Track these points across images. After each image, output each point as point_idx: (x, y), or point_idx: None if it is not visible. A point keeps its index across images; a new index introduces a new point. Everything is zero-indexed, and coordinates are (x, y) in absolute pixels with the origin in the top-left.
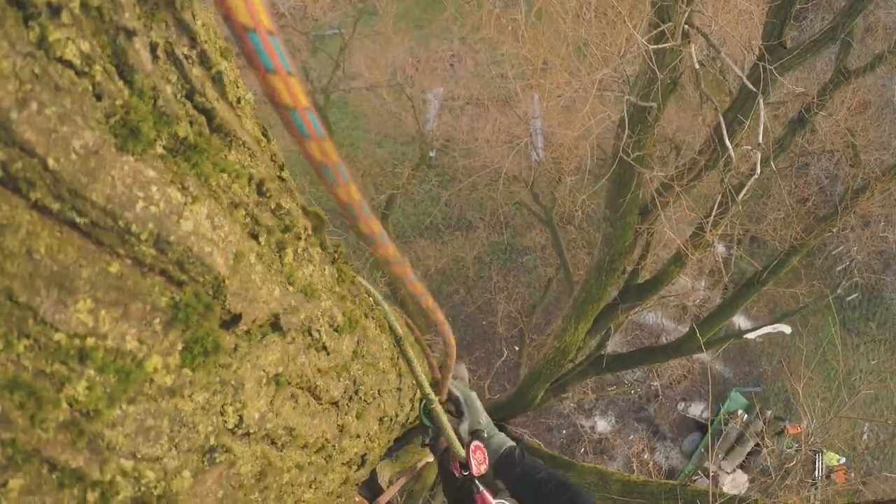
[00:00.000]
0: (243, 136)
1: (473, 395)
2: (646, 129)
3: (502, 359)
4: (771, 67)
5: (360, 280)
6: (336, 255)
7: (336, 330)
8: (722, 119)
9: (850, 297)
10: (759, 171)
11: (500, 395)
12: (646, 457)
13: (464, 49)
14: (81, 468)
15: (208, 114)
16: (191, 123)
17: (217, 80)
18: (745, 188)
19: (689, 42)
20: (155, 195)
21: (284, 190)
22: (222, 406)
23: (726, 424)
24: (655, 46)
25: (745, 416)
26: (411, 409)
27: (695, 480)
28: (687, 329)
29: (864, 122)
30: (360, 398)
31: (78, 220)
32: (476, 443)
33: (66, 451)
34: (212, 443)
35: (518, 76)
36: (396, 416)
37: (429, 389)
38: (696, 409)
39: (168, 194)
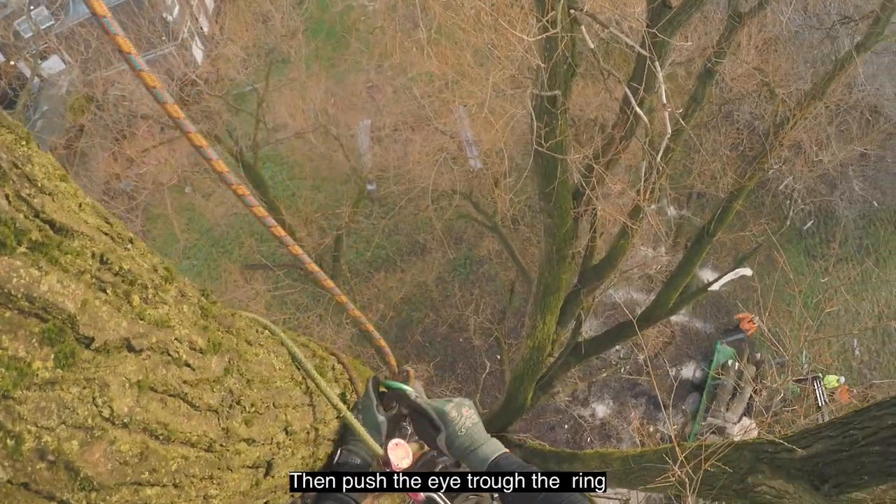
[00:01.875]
0: (82, 228)
1: (449, 407)
2: (554, 118)
3: (486, 371)
4: (653, 30)
5: (247, 314)
6: (200, 298)
7: (199, 351)
8: (627, 89)
9: (806, 226)
10: (670, 129)
11: (491, 406)
12: (651, 430)
13: (380, 78)
14: (1, 422)
15: (51, 223)
16: (39, 230)
17: (56, 199)
18: (662, 148)
19: (578, 26)
20: (22, 274)
21: (127, 257)
22: (93, 398)
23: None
24: (534, 38)
25: (736, 364)
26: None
27: (704, 438)
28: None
29: (776, 58)
30: (245, 408)
31: None
32: (396, 441)
33: None
34: (90, 423)
35: (430, 93)
36: (318, 430)
37: (339, 403)
38: (688, 371)
39: (30, 272)
